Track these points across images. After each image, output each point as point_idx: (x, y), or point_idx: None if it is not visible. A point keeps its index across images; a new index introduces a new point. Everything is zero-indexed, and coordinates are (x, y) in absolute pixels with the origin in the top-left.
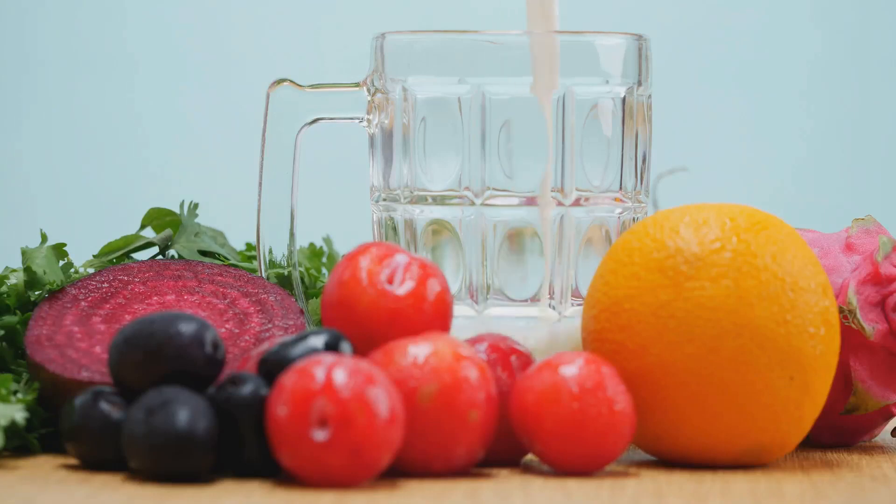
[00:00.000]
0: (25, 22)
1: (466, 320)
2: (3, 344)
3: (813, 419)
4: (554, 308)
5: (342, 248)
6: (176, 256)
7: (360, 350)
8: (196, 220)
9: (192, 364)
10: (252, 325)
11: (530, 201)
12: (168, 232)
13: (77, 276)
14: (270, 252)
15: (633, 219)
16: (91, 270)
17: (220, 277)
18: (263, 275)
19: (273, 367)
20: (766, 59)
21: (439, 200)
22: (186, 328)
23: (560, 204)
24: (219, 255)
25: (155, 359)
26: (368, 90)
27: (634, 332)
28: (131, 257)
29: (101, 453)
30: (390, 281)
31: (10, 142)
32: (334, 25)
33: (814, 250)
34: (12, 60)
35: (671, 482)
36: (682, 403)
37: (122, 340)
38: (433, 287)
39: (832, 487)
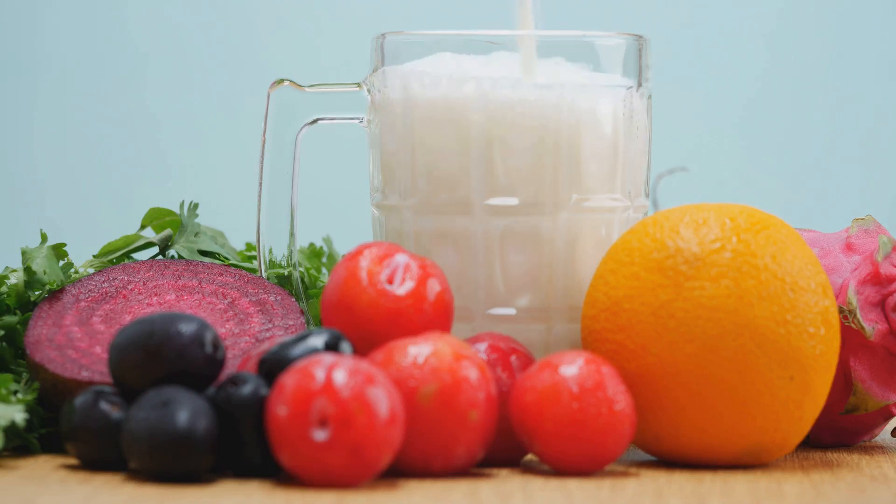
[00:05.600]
0: (26, 24)
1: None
2: (3, 344)
3: (813, 419)
4: None
5: (342, 248)
6: (176, 256)
7: (360, 350)
8: (196, 220)
9: (192, 364)
10: (252, 325)
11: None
12: (168, 232)
13: (77, 276)
14: (270, 252)
15: (633, 219)
16: (91, 270)
17: (220, 277)
18: (263, 275)
19: (273, 367)
20: (766, 59)
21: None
22: (186, 328)
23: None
24: (219, 255)
25: (155, 359)
26: (368, 90)
27: (634, 332)
28: (131, 257)
29: (101, 453)
30: (390, 281)
31: (10, 143)
32: (334, 25)
33: (814, 250)
34: (14, 63)
35: (671, 482)
36: (682, 403)
37: (122, 340)
38: (433, 287)
39: (832, 487)
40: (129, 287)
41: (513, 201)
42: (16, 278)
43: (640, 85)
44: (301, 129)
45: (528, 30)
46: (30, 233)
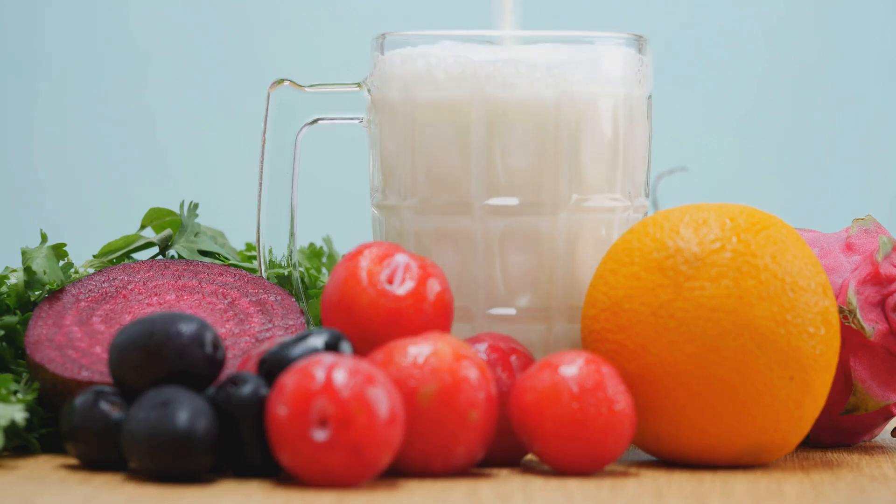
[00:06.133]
0: (26, 24)
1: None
2: (3, 344)
3: (813, 419)
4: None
5: (342, 248)
6: (176, 256)
7: (360, 350)
8: (196, 220)
9: (192, 364)
10: (252, 325)
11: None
12: (168, 232)
13: (77, 276)
14: (270, 252)
15: (633, 219)
16: (91, 270)
17: (220, 277)
18: (263, 275)
19: (273, 367)
20: (766, 59)
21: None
22: (186, 328)
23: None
24: (219, 255)
25: (155, 359)
26: (368, 90)
27: (634, 332)
28: (131, 257)
29: (101, 453)
30: (390, 281)
31: (10, 143)
32: (334, 25)
33: (814, 250)
34: (14, 63)
35: (671, 482)
36: (682, 403)
37: (122, 340)
38: (433, 287)
39: (832, 487)
40: (129, 287)
41: (513, 201)
42: (16, 278)
43: (640, 85)
44: (301, 129)
45: (508, 28)
46: (30, 233)
